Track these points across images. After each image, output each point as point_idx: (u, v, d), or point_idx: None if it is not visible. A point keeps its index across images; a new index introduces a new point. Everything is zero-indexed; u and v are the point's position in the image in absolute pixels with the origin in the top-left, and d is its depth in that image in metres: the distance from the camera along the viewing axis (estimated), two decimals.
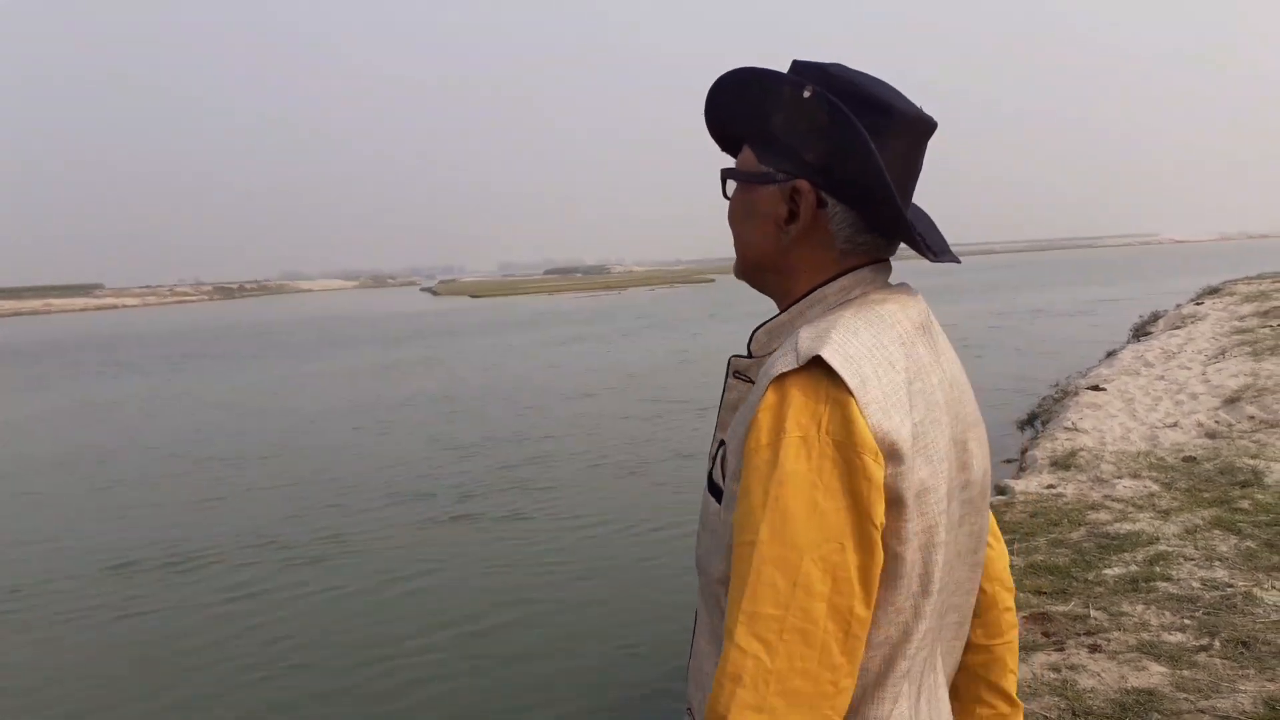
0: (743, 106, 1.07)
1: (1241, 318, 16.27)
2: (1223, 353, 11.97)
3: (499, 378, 20.47)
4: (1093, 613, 4.20)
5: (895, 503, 0.91)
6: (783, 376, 0.93)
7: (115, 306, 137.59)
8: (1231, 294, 22.48)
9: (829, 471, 0.88)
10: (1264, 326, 14.19)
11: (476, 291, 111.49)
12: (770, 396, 0.92)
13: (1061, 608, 4.29)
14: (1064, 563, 4.86)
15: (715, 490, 1.03)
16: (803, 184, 1.02)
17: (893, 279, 1.09)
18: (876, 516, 0.89)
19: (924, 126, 1.03)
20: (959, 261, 1.11)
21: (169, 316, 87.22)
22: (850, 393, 0.90)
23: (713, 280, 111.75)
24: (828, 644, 0.86)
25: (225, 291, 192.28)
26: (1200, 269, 54.33)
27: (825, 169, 1.01)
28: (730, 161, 1.12)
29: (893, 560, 0.92)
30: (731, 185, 1.11)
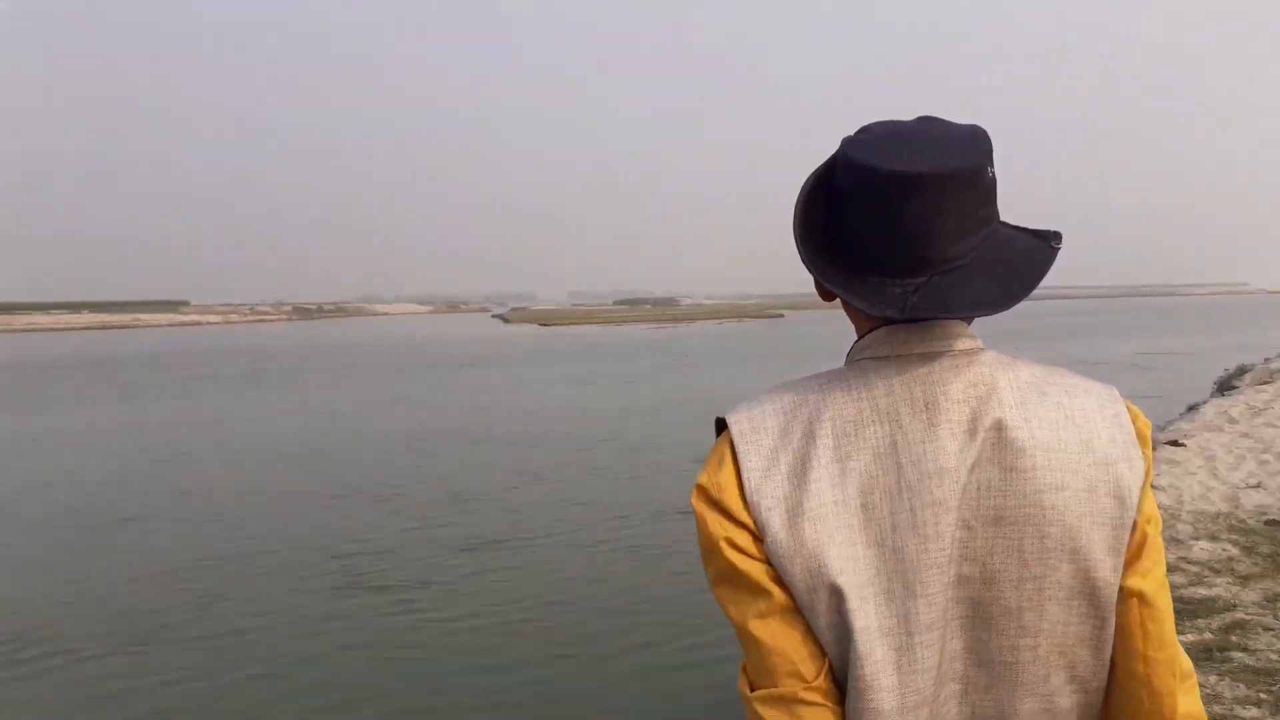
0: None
1: None
2: None
3: (463, 419, 19.44)
4: None
5: (775, 567, 0.97)
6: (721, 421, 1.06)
7: (199, 323, 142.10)
8: None
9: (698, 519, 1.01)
10: None
11: (545, 320, 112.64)
12: None
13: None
14: None
15: None
16: (803, 253, 1.06)
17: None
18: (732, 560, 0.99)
19: (904, 182, 0.97)
20: (934, 313, 1.00)
21: (237, 334, 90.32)
22: (734, 453, 1.00)
23: (782, 315, 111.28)
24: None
25: (304, 312, 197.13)
26: None
27: (805, 246, 1.06)
28: None
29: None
30: None
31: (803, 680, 0.96)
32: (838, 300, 1.08)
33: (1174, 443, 10.00)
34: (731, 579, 0.98)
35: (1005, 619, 0.99)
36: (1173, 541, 6.26)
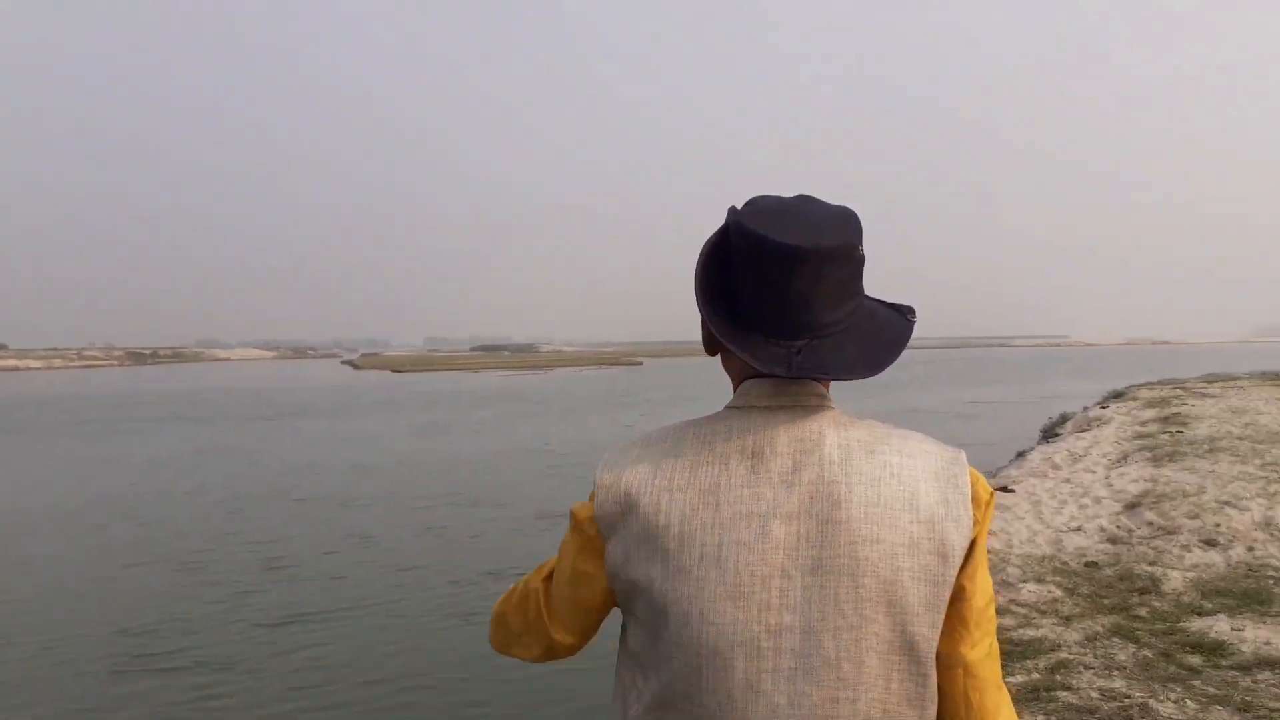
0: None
1: (1143, 423, 16.87)
2: (1125, 458, 12.36)
3: (290, 475, 17.95)
4: None
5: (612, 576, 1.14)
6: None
7: (17, 368, 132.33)
8: (1135, 399, 23.35)
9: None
10: (1164, 433, 14.71)
11: (399, 366, 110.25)
12: None
13: None
14: None
15: None
16: (706, 326, 1.17)
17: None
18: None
19: (791, 254, 1.06)
20: (808, 374, 1.09)
21: (61, 380, 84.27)
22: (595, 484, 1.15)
23: (641, 363, 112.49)
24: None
25: (137, 357, 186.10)
26: (1107, 372, 56.45)
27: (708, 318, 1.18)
28: None
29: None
30: None
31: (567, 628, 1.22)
32: (703, 351, 1.22)
33: (1003, 488, 10.53)
34: (575, 563, 1.18)
35: (825, 670, 1.02)
36: (1003, 584, 6.54)
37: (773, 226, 1.07)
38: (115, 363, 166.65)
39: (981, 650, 1.08)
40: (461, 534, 12.01)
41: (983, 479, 1.13)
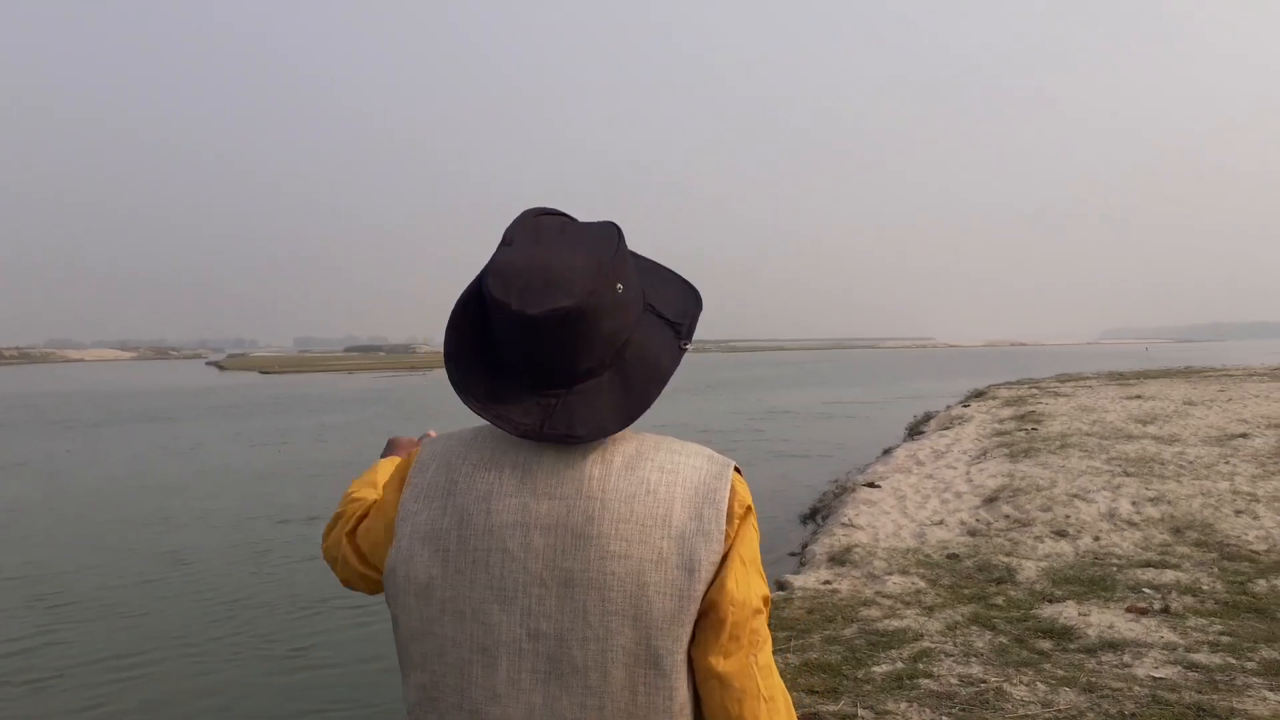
0: None
1: (1001, 420, 17.70)
2: (984, 454, 12.94)
3: (92, 492, 15.93)
4: (860, 712, 4.31)
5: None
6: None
7: None
8: (994, 398, 24.48)
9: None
10: (1019, 430, 15.47)
11: (266, 367, 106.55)
12: None
13: (832, 707, 4.39)
14: (836, 660, 5.00)
15: None
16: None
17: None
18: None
19: (529, 323, 1.08)
20: (563, 440, 1.12)
21: None
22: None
23: None
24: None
25: None
26: (968, 372, 58.98)
27: None
28: None
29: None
30: None
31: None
32: None
33: (871, 484, 10.87)
34: (371, 470, 1.40)
35: (574, 677, 1.07)
36: (870, 576, 6.76)
37: (511, 289, 1.09)
38: None
39: (735, 662, 1.08)
40: (291, 556, 10.67)
41: (744, 491, 1.14)
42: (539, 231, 1.15)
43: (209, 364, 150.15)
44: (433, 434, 1.26)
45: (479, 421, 1.18)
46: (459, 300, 1.18)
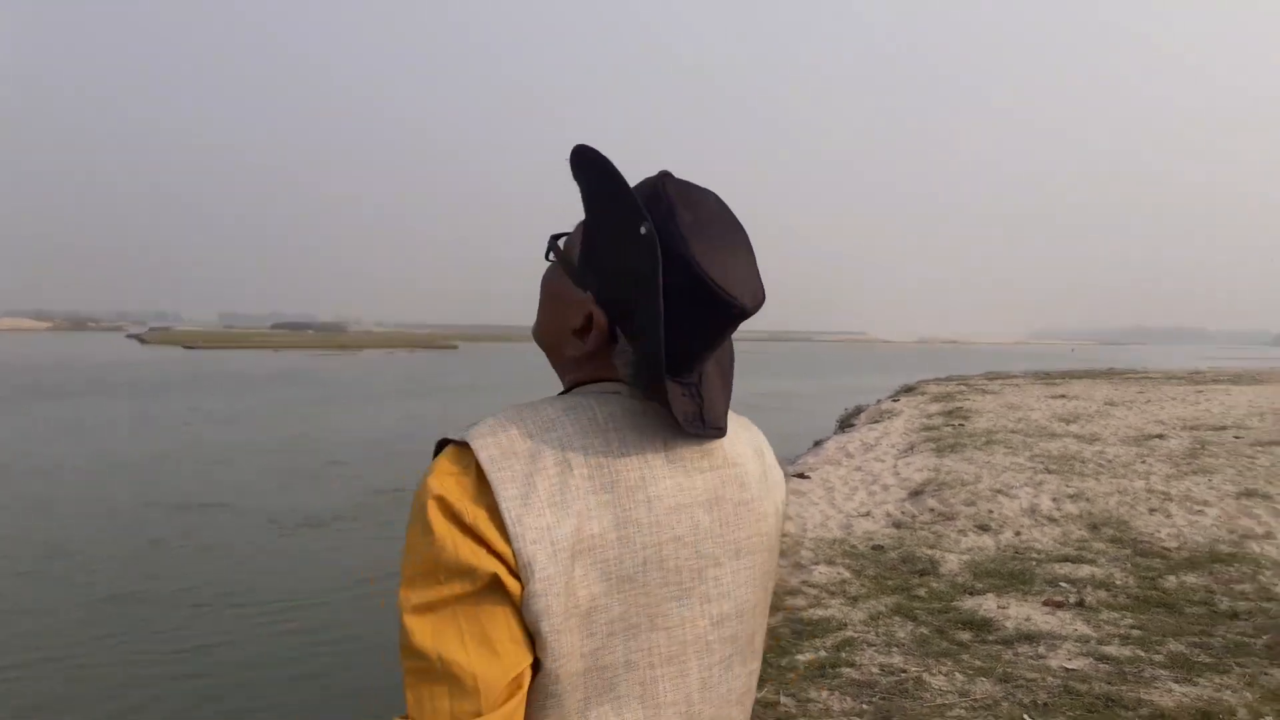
0: (586, 193, 1.03)
1: (930, 416, 18.03)
2: (912, 448, 13.16)
3: None
4: (782, 699, 4.36)
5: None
6: (447, 441, 0.97)
7: None
8: (923, 393, 24.93)
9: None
10: (947, 425, 15.77)
11: (191, 342, 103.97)
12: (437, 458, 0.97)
13: (755, 695, 4.42)
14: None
15: None
16: (601, 316, 1.01)
17: None
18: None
19: (734, 313, 0.99)
20: (720, 433, 1.03)
21: None
22: (486, 480, 0.92)
23: (456, 347, 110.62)
24: None
25: None
26: (900, 367, 60.02)
27: (621, 311, 1.00)
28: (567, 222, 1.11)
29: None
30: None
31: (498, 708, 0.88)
32: (523, 336, 1.07)
33: (800, 475, 10.99)
34: (453, 610, 0.88)
35: (748, 648, 1.07)
36: (796, 566, 6.83)
37: (727, 275, 0.98)
38: None
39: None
40: (188, 545, 10.10)
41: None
42: (715, 211, 1.02)
43: (129, 336, 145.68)
44: (471, 439, 0.95)
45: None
46: (653, 268, 0.95)
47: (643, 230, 0.95)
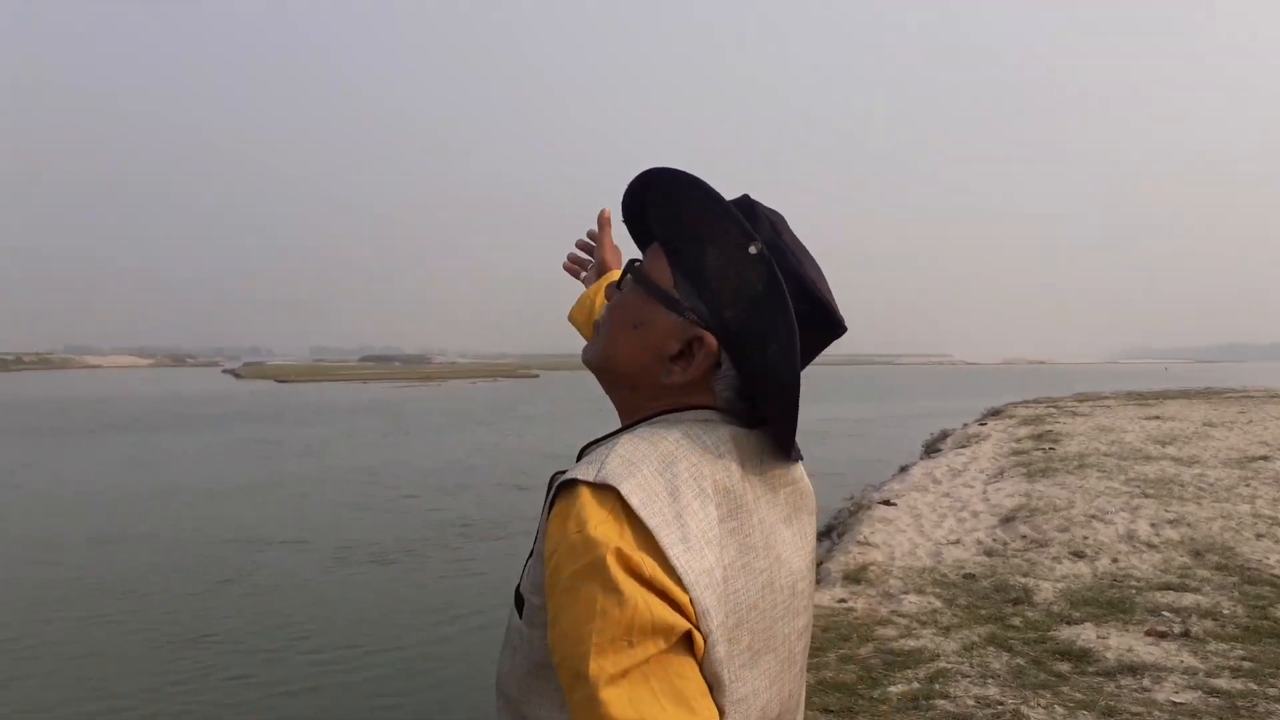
0: (682, 216, 1.00)
1: (1019, 439, 17.58)
2: (1001, 473, 12.85)
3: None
4: None
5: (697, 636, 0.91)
6: (575, 482, 0.90)
7: None
8: (1011, 416, 24.33)
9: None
10: (1037, 449, 15.35)
11: (283, 376, 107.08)
12: (560, 501, 0.90)
13: None
14: (851, 680, 4.96)
15: (520, 604, 0.96)
16: (711, 341, 0.97)
17: None
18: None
19: (839, 332, 1.03)
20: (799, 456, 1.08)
21: None
22: (643, 525, 0.87)
23: (537, 375, 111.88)
24: None
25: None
26: (986, 390, 58.69)
27: (738, 334, 0.97)
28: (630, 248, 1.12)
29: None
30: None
31: None
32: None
33: (886, 502, 10.81)
34: (644, 672, 0.83)
35: (804, 660, 1.07)
36: (886, 595, 6.71)
37: (825, 289, 1.01)
38: None
39: None
40: (258, 583, 10.08)
41: None
42: (790, 236, 1.03)
43: (225, 371, 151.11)
44: (616, 482, 0.89)
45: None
46: (777, 289, 0.95)
47: (753, 250, 0.95)
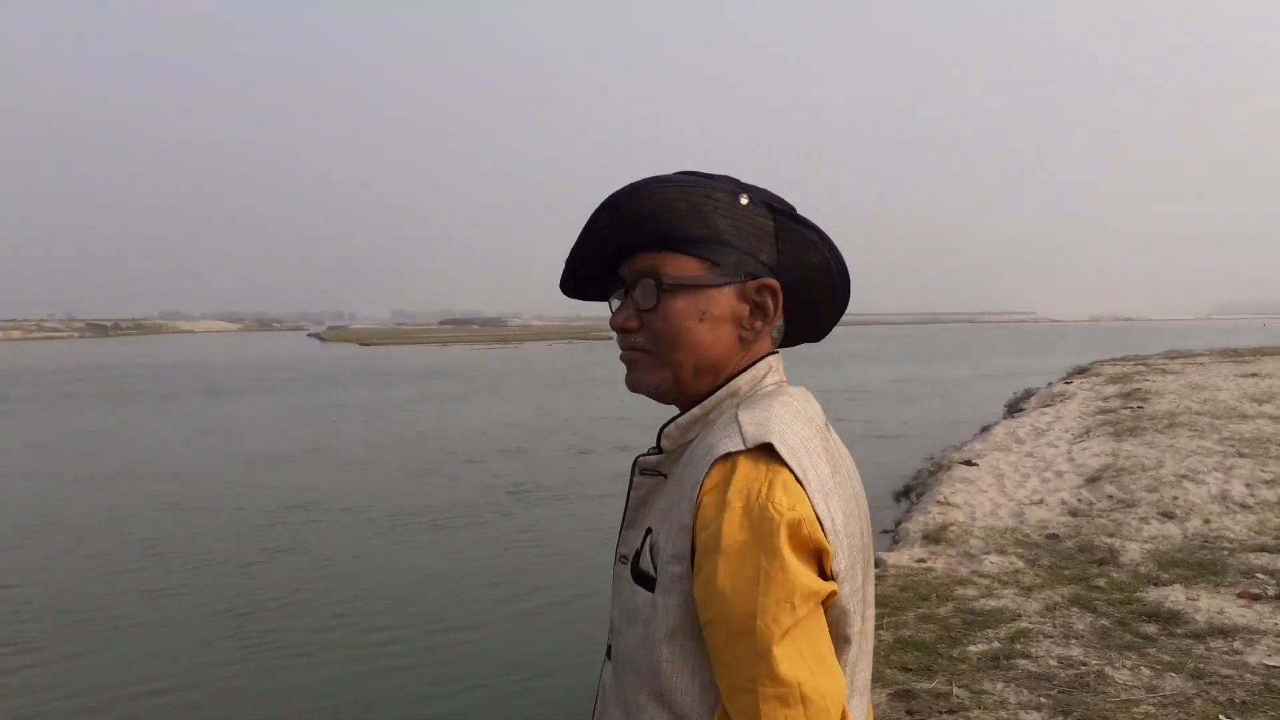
0: (683, 210, 1.03)
1: (1105, 398, 17.11)
2: (1087, 432, 12.54)
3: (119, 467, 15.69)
4: (955, 690, 4.26)
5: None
6: (728, 455, 0.95)
7: None
8: (1098, 374, 23.67)
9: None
10: (1125, 408, 14.93)
11: (366, 339, 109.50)
12: (715, 475, 0.94)
13: (926, 685, 4.34)
14: (930, 639, 4.94)
15: (643, 579, 1.00)
16: (772, 281, 1.06)
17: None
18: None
19: (846, 304, 1.16)
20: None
21: (21, 353, 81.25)
22: (797, 479, 0.94)
23: (611, 337, 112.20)
24: None
25: (99, 329, 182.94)
26: (1071, 348, 57.16)
27: (783, 268, 1.08)
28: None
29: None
30: (644, 294, 1.06)
31: None
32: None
33: (968, 462, 10.65)
34: (794, 634, 0.88)
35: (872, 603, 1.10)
36: (966, 555, 6.64)
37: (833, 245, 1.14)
38: (75, 334, 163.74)
39: None
40: (315, 551, 9.86)
41: None
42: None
43: (310, 335, 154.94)
44: (775, 441, 0.95)
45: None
46: (792, 210, 1.10)
47: (744, 201, 1.07)
